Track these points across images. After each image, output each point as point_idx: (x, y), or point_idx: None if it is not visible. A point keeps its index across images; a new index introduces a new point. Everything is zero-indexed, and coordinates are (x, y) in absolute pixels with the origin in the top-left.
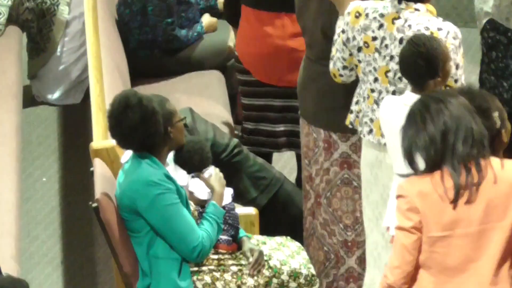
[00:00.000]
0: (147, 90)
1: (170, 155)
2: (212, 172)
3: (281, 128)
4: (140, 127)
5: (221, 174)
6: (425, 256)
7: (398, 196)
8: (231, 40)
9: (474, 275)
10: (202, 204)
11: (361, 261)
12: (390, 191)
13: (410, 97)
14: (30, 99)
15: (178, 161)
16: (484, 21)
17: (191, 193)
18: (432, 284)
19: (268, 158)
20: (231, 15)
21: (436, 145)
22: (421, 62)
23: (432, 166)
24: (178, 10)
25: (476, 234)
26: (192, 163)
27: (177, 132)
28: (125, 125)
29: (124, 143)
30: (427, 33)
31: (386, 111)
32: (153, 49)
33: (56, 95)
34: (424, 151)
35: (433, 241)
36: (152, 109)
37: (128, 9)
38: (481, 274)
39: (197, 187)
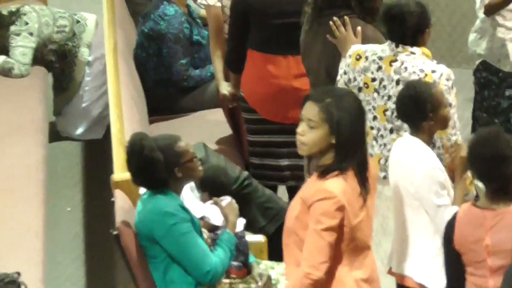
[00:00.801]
0: (163, 126)
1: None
2: (228, 202)
3: (285, 162)
4: (142, 172)
5: (236, 205)
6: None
7: (322, 199)
8: (224, 88)
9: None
10: (214, 230)
11: None
12: (389, 220)
13: (408, 139)
14: (55, 134)
15: (201, 185)
16: (477, 62)
17: (205, 219)
18: (348, 266)
19: (274, 190)
20: (235, 59)
21: None
22: (410, 104)
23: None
24: (191, 51)
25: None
26: (215, 187)
27: (186, 171)
28: (130, 169)
29: (135, 182)
30: (422, 75)
31: (392, 154)
32: (169, 88)
33: (79, 130)
34: None
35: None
36: (151, 159)
37: (145, 52)
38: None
39: (213, 214)
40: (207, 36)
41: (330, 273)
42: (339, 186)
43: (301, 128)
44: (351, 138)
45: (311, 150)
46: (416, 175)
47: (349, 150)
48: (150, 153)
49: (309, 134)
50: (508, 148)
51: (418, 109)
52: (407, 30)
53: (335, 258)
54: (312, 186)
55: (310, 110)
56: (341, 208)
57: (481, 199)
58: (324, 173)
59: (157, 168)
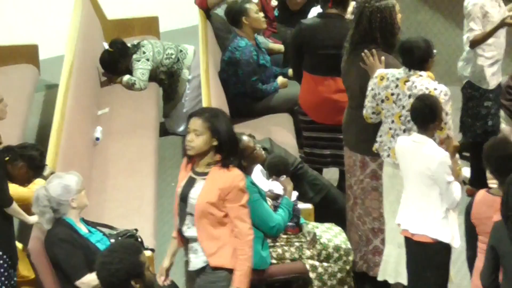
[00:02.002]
0: (242, 126)
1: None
2: (285, 178)
3: (328, 152)
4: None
5: (290, 180)
6: None
7: (241, 180)
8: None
9: None
10: (276, 198)
11: (383, 241)
12: (402, 194)
13: (417, 136)
14: (164, 131)
15: (268, 168)
16: (464, 82)
17: (271, 191)
18: None
19: (320, 171)
20: (298, 76)
21: None
22: (427, 111)
23: None
24: (259, 71)
25: None
26: (278, 169)
27: (250, 160)
28: None
29: None
30: (427, 91)
31: (400, 146)
32: (245, 98)
33: (181, 128)
34: None
35: None
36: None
37: (226, 73)
38: None
39: (276, 186)
40: (270, 60)
41: None
42: (237, 171)
43: (190, 137)
44: (229, 139)
45: (198, 151)
46: (433, 161)
47: (229, 148)
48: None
49: (196, 140)
50: None
51: (431, 114)
52: (415, 59)
53: None
54: (223, 176)
55: (195, 123)
56: None
57: (493, 188)
58: (225, 166)
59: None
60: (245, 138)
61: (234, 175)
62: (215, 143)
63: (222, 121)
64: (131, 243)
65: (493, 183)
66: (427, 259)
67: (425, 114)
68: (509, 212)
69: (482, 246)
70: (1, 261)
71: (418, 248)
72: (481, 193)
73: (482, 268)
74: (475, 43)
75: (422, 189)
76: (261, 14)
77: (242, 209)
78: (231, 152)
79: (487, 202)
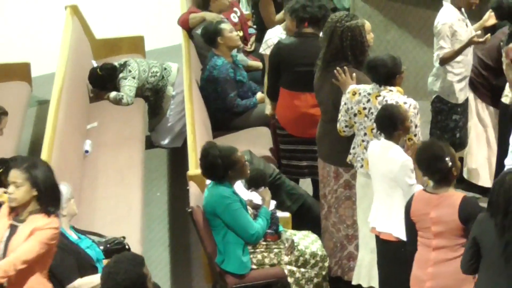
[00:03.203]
0: (222, 139)
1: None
2: (264, 189)
3: (304, 163)
4: (207, 171)
5: (269, 191)
6: None
7: (51, 228)
8: (267, 110)
9: None
10: (255, 207)
11: (357, 247)
12: (373, 202)
13: (384, 142)
14: (149, 144)
15: (247, 181)
16: (434, 96)
17: (250, 201)
18: None
19: (297, 182)
20: (272, 92)
21: None
22: (386, 120)
23: None
24: (237, 87)
25: None
26: (256, 182)
27: (238, 173)
28: (201, 167)
29: (204, 176)
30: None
31: (370, 150)
32: (225, 113)
33: (166, 141)
34: None
35: None
36: (213, 163)
37: (206, 91)
38: None
39: (255, 197)
40: (246, 76)
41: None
42: (56, 220)
43: (10, 189)
44: (48, 189)
45: (20, 203)
46: (394, 165)
47: (48, 198)
48: (213, 159)
49: (16, 191)
50: (440, 151)
51: (391, 122)
52: (381, 76)
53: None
54: (40, 220)
55: (14, 174)
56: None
57: (428, 186)
58: (46, 213)
59: (216, 169)
60: (238, 151)
61: (50, 220)
62: (34, 193)
63: (41, 170)
64: (135, 255)
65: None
66: (393, 255)
67: (386, 122)
68: (496, 209)
69: (421, 241)
70: None
71: (385, 245)
72: (418, 192)
73: (463, 255)
74: (445, 60)
75: (386, 190)
76: (235, 33)
77: (32, 246)
78: (50, 201)
79: (424, 200)
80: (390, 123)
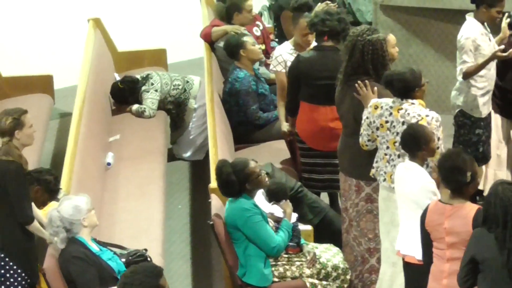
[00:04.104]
0: (244, 152)
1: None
2: (285, 201)
3: (325, 176)
4: (223, 188)
5: (290, 203)
6: None
7: None
8: (284, 127)
9: None
10: (277, 220)
11: (379, 260)
12: (396, 216)
13: (408, 163)
14: (171, 156)
15: (268, 194)
16: (457, 110)
17: (271, 214)
18: None
19: (318, 194)
20: (291, 108)
21: None
22: (410, 140)
23: None
24: (258, 100)
25: None
26: (276, 195)
27: (255, 184)
28: (218, 185)
29: (221, 193)
30: (419, 118)
31: (396, 173)
32: (247, 126)
33: (188, 154)
34: None
35: None
36: (228, 180)
37: (228, 103)
38: None
39: (276, 210)
40: (269, 89)
41: None
42: None
43: None
44: None
45: None
46: (415, 187)
47: None
48: (227, 177)
49: None
50: (463, 164)
51: (415, 143)
52: (397, 90)
53: None
54: None
55: None
56: None
57: (443, 197)
58: None
59: (232, 185)
60: (252, 163)
61: None
62: None
63: None
64: (153, 266)
65: (444, 192)
66: (418, 279)
67: (410, 142)
68: (495, 222)
69: (436, 252)
70: (22, 281)
71: (409, 269)
72: (433, 203)
73: (459, 271)
74: (468, 74)
75: (409, 212)
76: (258, 46)
77: None
78: None
79: (438, 210)
80: (415, 143)
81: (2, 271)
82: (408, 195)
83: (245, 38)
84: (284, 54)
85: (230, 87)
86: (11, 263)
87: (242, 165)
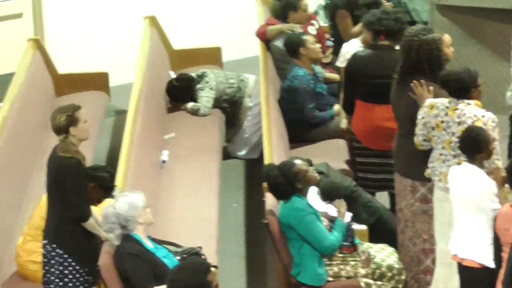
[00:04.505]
0: (299, 151)
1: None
2: (339, 200)
3: (380, 176)
4: (273, 191)
5: (345, 203)
6: None
7: None
8: (342, 124)
9: None
10: (331, 220)
11: (434, 261)
12: (451, 217)
13: (466, 166)
14: (226, 155)
15: (322, 193)
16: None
17: (325, 213)
18: None
19: (373, 194)
20: (348, 106)
21: None
22: (471, 142)
23: None
24: (315, 99)
25: None
26: (330, 194)
27: (304, 182)
28: (270, 191)
29: (277, 198)
30: (475, 118)
31: (452, 175)
32: (303, 125)
33: (242, 152)
34: None
35: None
36: (276, 183)
37: (285, 101)
38: None
39: (330, 209)
40: (326, 89)
41: None
42: None
43: None
44: None
45: None
46: (478, 190)
47: None
48: (275, 180)
49: None
50: None
51: (476, 145)
52: (453, 90)
53: None
54: None
55: None
56: None
57: None
58: None
59: (282, 187)
60: (298, 162)
61: None
62: None
63: None
64: (200, 263)
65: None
66: (477, 283)
67: (470, 144)
68: None
69: (504, 256)
70: (80, 277)
71: (467, 273)
72: (505, 206)
73: (504, 273)
74: None
75: (469, 216)
76: (318, 45)
77: None
78: None
79: (507, 215)
80: (475, 145)
81: (61, 268)
82: (469, 198)
83: (305, 37)
84: (352, 51)
85: (288, 84)
86: (69, 260)
87: (289, 165)
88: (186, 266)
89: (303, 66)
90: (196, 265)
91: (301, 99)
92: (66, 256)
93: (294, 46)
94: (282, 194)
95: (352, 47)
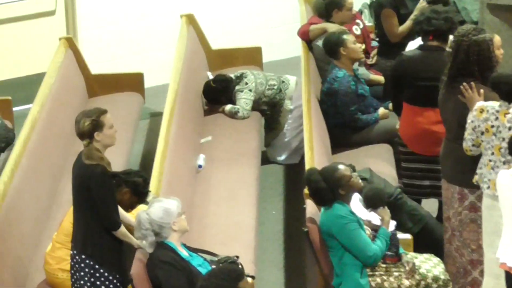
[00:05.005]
0: (342, 156)
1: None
2: (383, 208)
3: (427, 183)
4: (314, 197)
5: (388, 210)
6: None
7: None
8: (398, 124)
9: None
10: (374, 228)
11: (482, 273)
12: (500, 226)
13: None
14: (265, 160)
15: (365, 200)
16: None
17: (368, 221)
18: None
19: (418, 202)
20: (397, 108)
21: None
22: None
23: None
24: (358, 101)
25: None
26: (374, 201)
27: (347, 188)
28: (311, 197)
29: (318, 204)
30: None
31: (500, 181)
32: (345, 129)
33: (282, 157)
34: None
35: None
36: (317, 188)
37: (325, 104)
38: None
39: (374, 217)
40: (368, 90)
41: None
42: None
43: None
44: None
45: None
46: None
47: None
48: (316, 185)
49: None
50: None
51: None
52: (504, 93)
53: None
54: None
55: None
56: None
57: None
58: None
59: (323, 193)
60: (341, 167)
61: None
62: None
63: None
64: (231, 269)
65: None
66: None
67: None
68: None
69: None
70: (111, 285)
71: None
72: None
73: None
74: None
75: None
76: (359, 45)
77: None
78: None
79: None
80: None
81: (92, 279)
82: None
83: (345, 36)
84: None
85: (328, 87)
86: (101, 270)
87: (331, 171)
88: (217, 272)
89: (343, 67)
90: (228, 271)
91: (342, 102)
92: (97, 266)
93: (333, 46)
94: (323, 200)
95: (414, 47)
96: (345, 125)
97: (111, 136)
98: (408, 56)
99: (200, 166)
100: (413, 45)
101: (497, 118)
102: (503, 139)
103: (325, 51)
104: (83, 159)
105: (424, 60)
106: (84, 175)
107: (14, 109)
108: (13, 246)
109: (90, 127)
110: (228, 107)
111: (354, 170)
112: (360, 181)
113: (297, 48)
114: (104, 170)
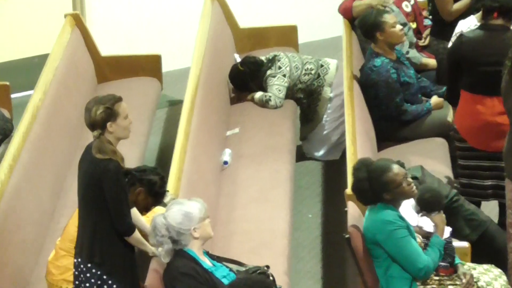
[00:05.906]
0: (389, 152)
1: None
2: (438, 213)
3: (489, 183)
4: (356, 194)
5: (444, 216)
6: None
7: None
8: (450, 116)
9: None
10: (426, 236)
11: None
12: None
13: None
14: (301, 155)
15: (419, 203)
16: None
17: (420, 227)
18: None
19: (478, 205)
20: (452, 97)
21: None
22: None
23: None
24: (402, 90)
25: None
26: (429, 205)
27: (395, 194)
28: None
29: (360, 202)
30: None
31: None
32: (392, 121)
33: (320, 152)
34: None
35: None
36: (359, 188)
37: (367, 95)
38: None
39: (426, 223)
40: (414, 75)
41: None
42: None
43: None
44: None
45: None
46: None
47: None
48: (358, 183)
49: None
50: None
51: None
52: None
53: None
54: None
55: None
56: None
57: None
58: None
59: (365, 194)
60: (394, 169)
61: None
62: None
63: None
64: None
65: None
66: None
67: None
68: None
69: None
70: None
71: None
72: None
73: None
74: None
75: None
76: (399, 27)
77: None
78: None
79: None
80: None
81: None
82: None
83: (383, 18)
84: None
85: (365, 78)
86: (110, 282)
87: (380, 171)
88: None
89: (381, 53)
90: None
91: (384, 94)
92: (105, 277)
93: (369, 29)
94: (365, 200)
95: (468, 26)
96: (392, 118)
97: (125, 128)
98: (468, 38)
99: (225, 163)
100: (464, 24)
101: None
102: None
103: (362, 34)
104: (93, 152)
105: (488, 41)
106: (95, 172)
107: (13, 96)
108: (12, 253)
109: (103, 115)
110: (258, 94)
111: (403, 168)
112: (414, 189)
113: (338, 27)
114: (117, 166)
